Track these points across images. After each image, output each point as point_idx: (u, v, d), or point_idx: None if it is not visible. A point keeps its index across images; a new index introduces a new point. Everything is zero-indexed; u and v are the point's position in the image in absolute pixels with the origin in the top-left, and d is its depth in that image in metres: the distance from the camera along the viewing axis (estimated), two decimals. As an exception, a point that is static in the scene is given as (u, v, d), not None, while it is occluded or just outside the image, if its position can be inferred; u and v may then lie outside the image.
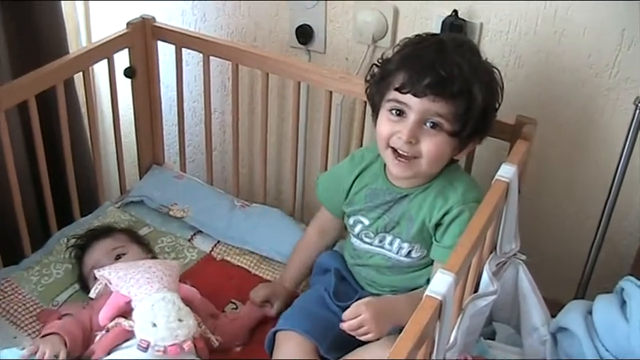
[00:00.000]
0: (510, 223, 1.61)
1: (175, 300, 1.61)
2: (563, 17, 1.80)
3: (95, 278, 1.72)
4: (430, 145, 1.55)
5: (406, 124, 1.55)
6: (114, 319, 1.62)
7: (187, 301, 1.66)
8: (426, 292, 1.25)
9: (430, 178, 1.64)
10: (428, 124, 1.54)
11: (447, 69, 1.50)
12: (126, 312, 1.62)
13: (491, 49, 1.89)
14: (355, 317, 1.53)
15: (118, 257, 1.83)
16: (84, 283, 1.87)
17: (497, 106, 1.61)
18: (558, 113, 1.90)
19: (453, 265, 1.31)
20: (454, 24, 1.87)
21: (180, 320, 1.57)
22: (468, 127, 1.55)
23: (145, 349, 1.54)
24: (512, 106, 1.84)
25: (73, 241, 1.98)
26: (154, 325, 1.56)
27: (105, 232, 1.96)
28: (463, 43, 1.60)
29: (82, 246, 1.93)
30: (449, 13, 1.87)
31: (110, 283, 1.66)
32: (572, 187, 1.98)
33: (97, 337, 1.64)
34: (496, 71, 1.61)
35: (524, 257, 1.70)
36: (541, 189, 2.00)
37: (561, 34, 1.82)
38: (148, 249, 1.95)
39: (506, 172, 1.55)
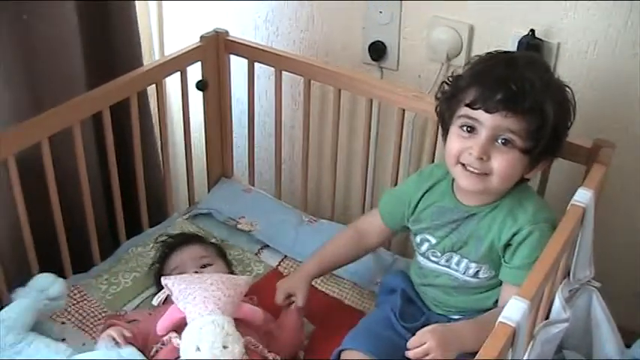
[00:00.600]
0: (585, 250, 1.58)
1: (225, 325, 1.58)
2: (644, 40, 1.76)
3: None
4: (502, 162, 1.53)
5: (477, 141, 1.53)
6: (169, 331, 1.62)
7: (247, 322, 1.65)
8: (500, 319, 1.22)
9: (499, 197, 1.61)
10: (500, 141, 1.52)
11: (518, 84, 1.48)
12: (181, 326, 1.62)
13: (568, 69, 1.86)
14: (420, 345, 1.50)
15: (203, 266, 1.84)
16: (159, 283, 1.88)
17: (569, 124, 1.58)
18: (635, 137, 1.85)
19: (527, 291, 1.28)
20: (531, 43, 1.84)
21: (224, 347, 1.55)
22: (540, 145, 1.52)
23: None
24: (589, 128, 1.80)
25: (164, 238, 2.01)
26: (198, 348, 1.54)
27: (197, 238, 2.00)
28: (535, 60, 1.58)
29: (172, 245, 1.96)
30: (525, 33, 1.84)
31: (172, 294, 1.67)
32: (649, 213, 1.93)
33: (154, 350, 1.64)
34: (568, 90, 1.58)
35: (598, 284, 1.65)
36: (616, 215, 1.95)
37: (641, 57, 1.78)
38: (231, 269, 1.96)
39: (583, 197, 1.51)
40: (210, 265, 1.86)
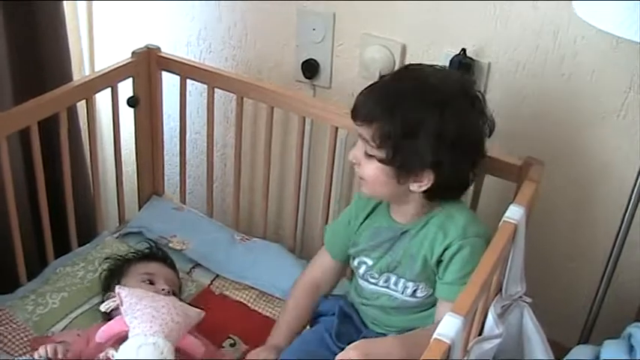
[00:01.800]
0: (517, 266, 1.59)
1: (165, 350, 1.55)
2: (572, 62, 1.79)
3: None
4: (365, 169, 1.58)
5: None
6: (109, 341, 1.59)
7: (186, 354, 1.63)
8: (435, 335, 1.22)
9: (429, 213, 1.62)
10: (367, 149, 1.56)
11: (368, 95, 1.56)
12: (121, 339, 1.58)
13: (499, 88, 1.89)
14: None
15: (168, 293, 1.81)
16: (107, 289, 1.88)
17: (422, 137, 1.50)
18: (565, 155, 1.89)
19: (461, 307, 1.28)
20: (462, 62, 1.86)
21: None
22: (391, 154, 1.52)
23: None
24: (519, 146, 1.83)
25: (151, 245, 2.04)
26: None
27: (175, 268, 1.98)
28: (407, 75, 1.59)
29: (155, 255, 1.98)
30: (457, 52, 1.86)
31: (121, 305, 1.63)
32: (578, 229, 1.97)
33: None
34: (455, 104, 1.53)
35: (529, 300, 1.67)
36: (546, 231, 1.98)
37: (569, 77, 1.81)
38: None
39: (514, 213, 1.53)
40: (173, 295, 1.84)
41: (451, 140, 1.50)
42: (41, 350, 1.61)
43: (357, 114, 1.57)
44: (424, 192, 1.57)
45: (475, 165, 1.61)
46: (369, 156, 1.55)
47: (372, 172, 1.57)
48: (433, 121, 1.49)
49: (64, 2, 2.05)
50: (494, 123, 1.61)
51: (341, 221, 1.78)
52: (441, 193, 1.59)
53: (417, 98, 1.51)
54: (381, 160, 1.54)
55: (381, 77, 1.63)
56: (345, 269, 1.85)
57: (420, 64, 1.67)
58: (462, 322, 1.25)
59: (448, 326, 1.24)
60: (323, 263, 1.83)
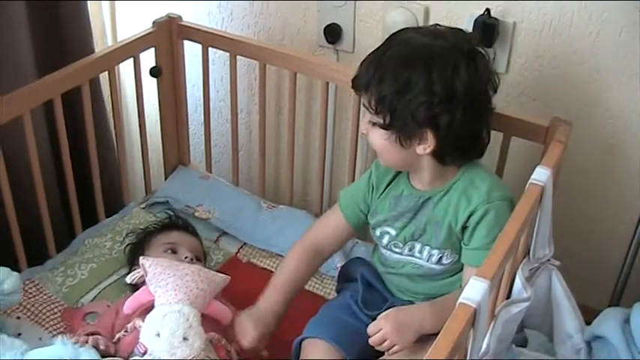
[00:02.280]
0: (544, 229, 1.57)
1: (190, 316, 1.56)
2: (599, 19, 1.76)
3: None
4: (371, 137, 1.58)
5: None
6: (136, 311, 1.61)
7: (214, 320, 1.63)
8: (460, 299, 1.21)
9: (450, 179, 1.60)
10: (369, 117, 1.56)
11: (362, 64, 1.56)
12: (148, 309, 1.60)
13: (524, 48, 1.86)
14: (377, 331, 1.52)
15: (191, 260, 1.82)
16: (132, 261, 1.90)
17: (412, 95, 1.48)
18: (593, 115, 1.86)
19: (487, 271, 1.27)
20: (486, 23, 1.83)
21: (185, 339, 1.53)
22: (383, 117, 1.51)
23: (142, 355, 1.52)
24: (546, 107, 1.81)
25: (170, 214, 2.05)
26: (158, 334, 1.52)
27: (198, 236, 1.99)
28: (393, 40, 1.57)
29: (176, 224, 1.99)
30: (481, 12, 1.83)
31: (145, 275, 1.64)
32: (607, 191, 1.94)
33: (117, 337, 1.62)
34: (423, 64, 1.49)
35: (557, 263, 1.65)
36: (575, 193, 1.95)
37: (596, 35, 1.77)
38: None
39: (541, 175, 1.51)
40: (197, 262, 1.85)
41: (443, 95, 1.47)
42: (82, 339, 1.60)
43: (354, 83, 1.58)
44: (434, 155, 1.54)
45: (482, 121, 1.57)
46: (373, 124, 1.55)
47: (377, 140, 1.56)
48: (421, 78, 1.47)
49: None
50: (499, 78, 1.57)
51: (359, 187, 1.74)
52: (452, 154, 1.56)
53: (403, 58, 1.49)
54: (381, 127, 1.53)
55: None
56: (351, 236, 1.82)
57: (420, 27, 1.69)
58: (487, 285, 1.24)
59: (474, 290, 1.23)
60: (336, 223, 1.77)
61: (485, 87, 1.54)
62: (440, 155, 1.54)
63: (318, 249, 1.77)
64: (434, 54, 1.48)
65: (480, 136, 1.58)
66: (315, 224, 1.83)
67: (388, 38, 1.58)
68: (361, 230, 1.78)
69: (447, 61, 1.47)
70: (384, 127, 1.52)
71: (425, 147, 1.52)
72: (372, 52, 1.57)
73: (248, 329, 1.63)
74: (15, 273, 1.69)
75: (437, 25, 1.59)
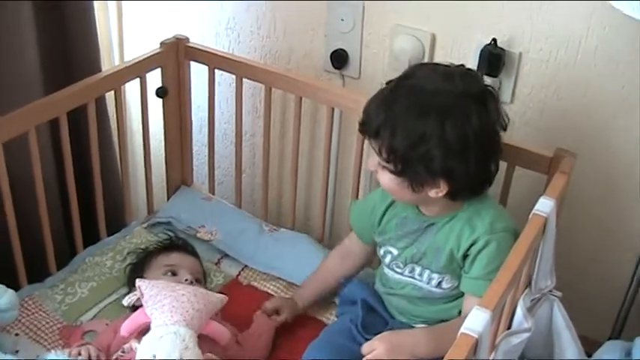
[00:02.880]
0: (547, 259, 1.57)
1: (187, 337, 1.55)
2: (604, 51, 1.76)
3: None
4: (380, 178, 1.59)
5: None
6: (133, 334, 1.61)
7: (212, 340, 1.63)
8: (462, 330, 1.21)
9: (457, 207, 1.61)
10: (379, 160, 1.55)
11: (369, 108, 1.56)
12: (144, 330, 1.60)
13: (530, 78, 1.86)
14: (371, 351, 1.54)
15: (191, 282, 1.82)
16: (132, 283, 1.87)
17: (426, 148, 1.48)
18: (596, 146, 1.86)
19: (489, 301, 1.27)
20: (493, 52, 1.84)
21: None
22: (395, 166, 1.52)
23: None
24: (551, 137, 1.81)
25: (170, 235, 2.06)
26: (154, 356, 1.52)
27: (198, 256, 1.99)
28: (403, 85, 1.54)
29: (176, 245, 1.99)
30: (487, 42, 1.84)
31: (142, 297, 1.64)
32: (610, 222, 1.93)
33: (114, 357, 1.62)
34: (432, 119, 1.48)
35: (559, 294, 1.65)
36: (577, 224, 1.95)
37: (602, 67, 1.78)
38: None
39: (544, 206, 1.51)
40: (198, 283, 1.84)
41: (457, 146, 1.47)
42: (74, 351, 1.61)
43: (362, 128, 1.57)
44: (446, 196, 1.55)
45: (493, 161, 1.58)
46: (383, 166, 1.55)
47: (387, 182, 1.57)
48: (434, 130, 1.46)
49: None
50: (508, 118, 1.58)
51: (364, 203, 1.80)
52: (463, 194, 1.57)
53: (415, 109, 1.48)
54: (392, 172, 1.54)
55: (387, 83, 1.60)
56: (372, 251, 1.85)
57: (424, 64, 1.69)
58: (489, 316, 1.23)
59: (476, 320, 1.23)
60: (352, 241, 1.87)
61: (495, 127, 1.55)
62: (452, 196, 1.56)
63: (348, 253, 1.88)
64: (446, 104, 1.47)
65: (490, 174, 1.59)
66: (346, 238, 1.92)
67: (397, 79, 1.56)
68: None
69: (460, 111, 1.47)
70: (395, 173, 1.53)
71: (437, 192, 1.54)
72: (380, 93, 1.56)
73: (270, 301, 1.86)
74: (10, 290, 1.69)
75: (444, 64, 1.58)
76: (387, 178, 1.56)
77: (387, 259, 1.71)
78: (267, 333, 1.80)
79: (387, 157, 1.51)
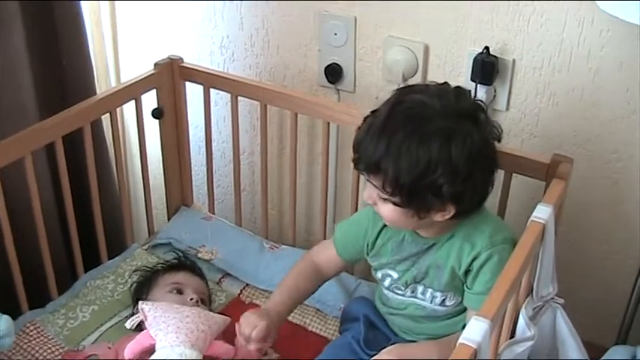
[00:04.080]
0: (547, 266, 1.56)
1: (192, 358, 1.55)
2: (597, 55, 1.76)
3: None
4: (381, 210, 1.52)
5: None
6: (137, 356, 1.60)
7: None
8: (460, 340, 1.20)
9: (454, 226, 1.57)
10: (380, 194, 1.49)
11: (364, 140, 1.47)
12: (149, 353, 1.59)
13: (524, 85, 1.86)
14: None
15: (197, 303, 1.82)
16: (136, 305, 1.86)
17: (434, 176, 1.43)
18: (595, 151, 1.85)
19: (487, 310, 1.25)
20: (486, 61, 1.83)
21: None
22: (402, 199, 1.46)
23: None
24: (547, 143, 1.80)
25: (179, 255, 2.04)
26: None
27: (205, 278, 1.98)
28: (397, 112, 1.48)
29: (184, 265, 1.98)
30: (480, 50, 1.84)
31: (146, 320, 1.63)
32: (611, 226, 1.92)
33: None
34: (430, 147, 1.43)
35: (561, 301, 1.63)
36: (578, 229, 1.94)
37: (595, 72, 1.77)
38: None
39: (542, 212, 1.50)
40: (203, 305, 1.84)
41: (464, 168, 1.43)
42: None
43: (359, 163, 1.49)
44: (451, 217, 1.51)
45: (492, 174, 1.55)
46: (384, 199, 1.49)
47: (390, 213, 1.51)
48: (441, 156, 1.41)
49: (87, 18, 2.06)
50: (501, 128, 1.55)
51: (355, 224, 1.73)
52: (468, 212, 1.53)
53: (417, 136, 1.42)
54: (396, 204, 1.48)
55: (374, 111, 1.53)
56: (347, 267, 1.83)
57: (410, 86, 1.62)
58: (488, 325, 1.22)
59: (474, 330, 1.21)
60: (329, 257, 1.77)
61: (491, 140, 1.52)
62: (457, 216, 1.51)
63: (319, 270, 1.77)
64: (448, 126, 1.43)
65: (489, 188, 1.56)
66: (315, 248, 1.83)
67: (388, 107, 1.49)
68: (354, 263, 1.81)
69: (461, 131, 1.43)
70: (400, 205, 1.47)
71: (444, 215, 1.49)
72: (371, 124, 1.48)
73: (254, 320, 1.61)
74: (5, 316, 1.65)
75: (431, 84, 1.55)
76: (389, 210, 1.50)
77: (387, 282, 1.68)
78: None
79: (392, 190, 1.45)
